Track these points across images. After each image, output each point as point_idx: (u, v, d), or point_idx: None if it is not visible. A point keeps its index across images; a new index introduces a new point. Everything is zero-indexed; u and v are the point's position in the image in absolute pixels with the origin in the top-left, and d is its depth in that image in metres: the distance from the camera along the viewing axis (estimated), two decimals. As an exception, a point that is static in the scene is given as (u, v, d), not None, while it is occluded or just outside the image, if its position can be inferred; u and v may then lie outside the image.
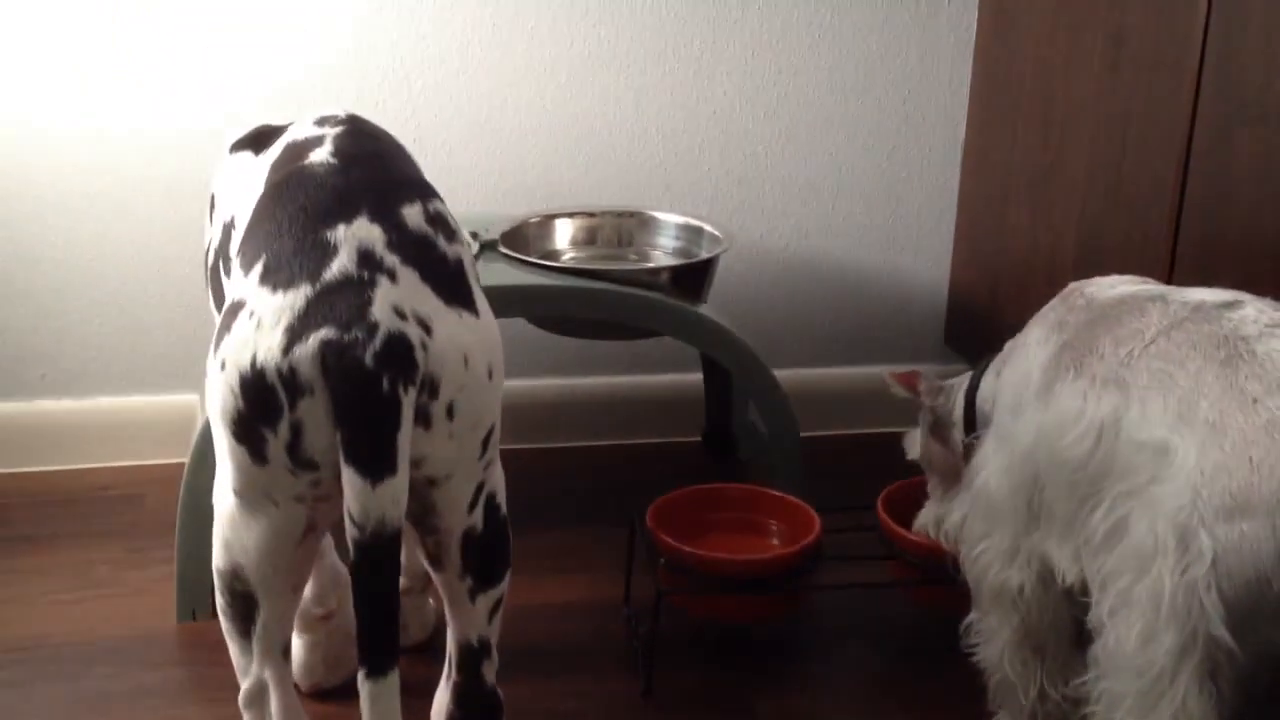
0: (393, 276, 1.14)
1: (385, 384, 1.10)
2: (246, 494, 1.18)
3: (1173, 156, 1.78)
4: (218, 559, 1.25)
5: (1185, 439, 1.22)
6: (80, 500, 2.13)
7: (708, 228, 2.14)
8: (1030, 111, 2.17)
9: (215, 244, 1.47)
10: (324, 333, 1.10)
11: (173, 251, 2.19)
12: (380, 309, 1.12)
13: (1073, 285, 1.52)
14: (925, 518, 1.77)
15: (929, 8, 2.32)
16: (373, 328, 1.10)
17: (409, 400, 1.11)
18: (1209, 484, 1.18)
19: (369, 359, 1.10)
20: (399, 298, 1.13)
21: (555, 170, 2.28)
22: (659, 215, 2.20)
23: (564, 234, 2.19)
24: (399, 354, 1.11)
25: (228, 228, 1.38)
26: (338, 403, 1.10)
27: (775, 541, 1.86)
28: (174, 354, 2.24)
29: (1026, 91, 2.18)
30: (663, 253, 2.17)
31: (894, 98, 2.36)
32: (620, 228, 2.20)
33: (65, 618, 1.81)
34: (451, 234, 1.23)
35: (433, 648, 1.75)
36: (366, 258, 1.14)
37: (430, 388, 1.15)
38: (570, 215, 2.20)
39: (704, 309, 2.00)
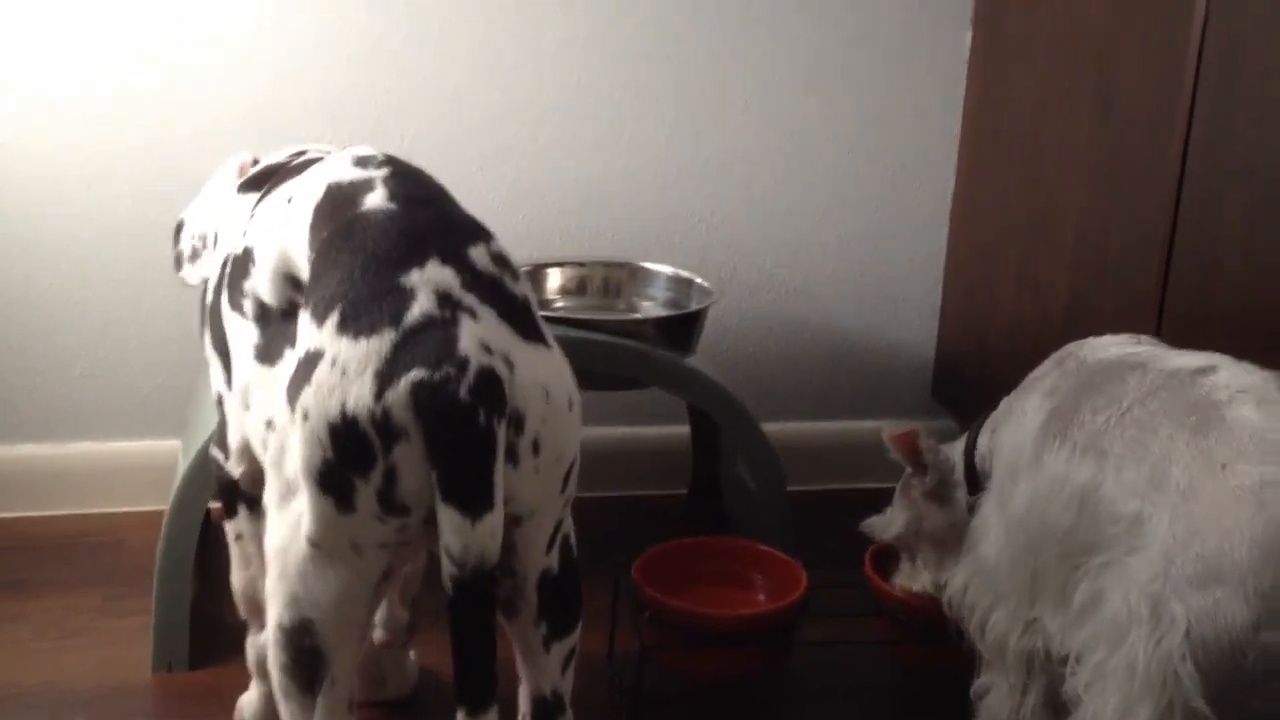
0: (473, 315, 1.15)
1: (481, 418, 1.10)
2: (326, 544, 1.17)
3: (1162, 215, 1.78)
4: (282, 615, 1.21)
5: (1158, 507, 1.22)
6: (58, 547, 2.11)
7: (698, 280, 2.14)
8: (1019, 169, 2.18)
9: (213, 282, 1.46)
10: (414, 374, 1.10)
11: (157, 295, 2.18)
12: (467, 345, 1.12)
13: (1068, 347, 1.52)
14: (915, 579, 1.75)
15: (920, 64, 2.33)
16: (463, 363, 1.11)
17: (502, 434, 1.12)
18: (1181, 551, 1.17)
19: (464, 393, 1.10)
20: (483, 334, 1.14)
21: (546, 219, 2.28)
22: (649, 266, 2.20)
23: (554, 283, 2.19)
24: (491, 388, 1.11)
25: (237, 262, 1.37)
26: (433, 441, 1.10)
27: (761, 596, 1.84)
28: (156, 399, 2.22)
29: (1015, 149, 2.19)
30: (652, 304, 2.17)
31: (885, 153, 2.37)
32: (610, 278, 2.20)
33: (40, 666, 1.78)
34: (515, 273, 1.24)
35: (414, 703, 1.73)
36: (445, 299, 1.15)
37: (516, 423, 1.15)
38: (560, 264, 2.20)
39: (693, 361, 2.00)
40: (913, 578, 1.75)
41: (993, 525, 1.50)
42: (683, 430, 2.35)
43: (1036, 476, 1.40)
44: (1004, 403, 1.59)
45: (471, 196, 1.44)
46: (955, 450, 1.69)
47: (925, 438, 1.69)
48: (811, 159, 2.35)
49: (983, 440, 1.61)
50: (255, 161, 1.61)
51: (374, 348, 1.12)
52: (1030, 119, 2.14)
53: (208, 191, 1.65)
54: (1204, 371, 1.31)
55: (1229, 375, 1.29)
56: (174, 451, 2.17)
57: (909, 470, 1.72)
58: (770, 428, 2.03)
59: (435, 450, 1.11)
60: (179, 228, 1.66)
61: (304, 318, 1.20)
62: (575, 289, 2.20)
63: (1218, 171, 1.70)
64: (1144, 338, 1.50)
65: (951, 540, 1.66)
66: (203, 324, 1.52)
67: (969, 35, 2.33)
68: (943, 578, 1.68)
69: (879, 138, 2.36)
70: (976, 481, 1.62)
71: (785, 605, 1.74)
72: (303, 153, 1.54)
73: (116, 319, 2.19)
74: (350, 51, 2.15)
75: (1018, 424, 1.50)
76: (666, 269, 2.20)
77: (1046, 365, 1.54)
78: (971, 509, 1.61)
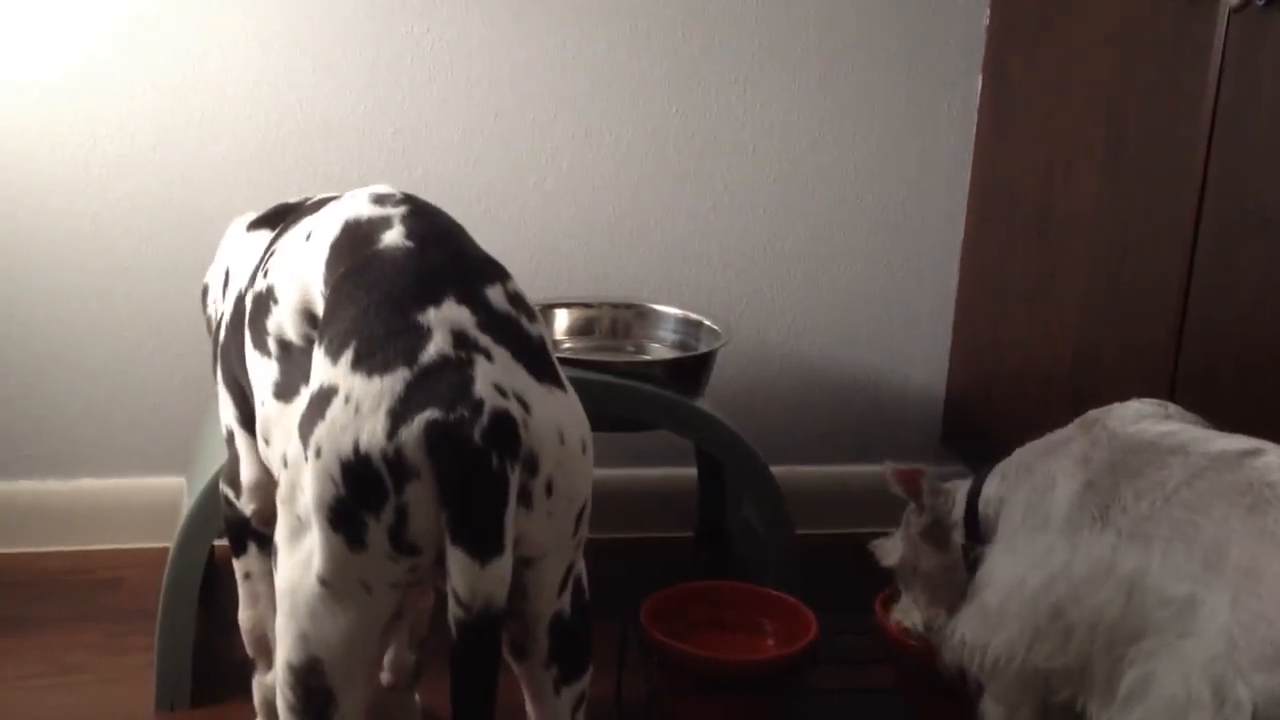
0: (489, 356, 1.14)
1: (494, 461, 1.09)
2: (336, 582, 1.15)
3: (1176, 264, 1.78)
4: (291, 654, 1.20)
5: (1215, 588, 1.19)
6: (59, 583, 2.09)
7: (706, 322, 2.14)
8: (1029, 216, 2.17)
9: (227, 319, 1.45)
10: (429, 414, 1.09)
11: (165, 332, 2.17)
12: (482, 387, 1.11)
13: (1094, 415, 1.48)
14: (910, 615, 1.73)
15: (929, 110, 2.34)
16: (478, 405, 1.10)
17: (514, 478, 1.11)
18: (1246, 633, 1.14)
19: (477, 436, 1.09)
20: (497, 376, 1.13)
21: (554, 260, 2.28)
22: (657, 308, 2.20)
23: (561, 324, 2.18)
24: (505, 431, 1.10)
25: (258, 300, 1.36)
26: (445, 483, 1.09)
27: (771, 642, 1.82)
28: (161, 436, 2.21)
29: (1025, 194, 2.19)
30: (661, 345, 2.16)
31: (893, 198, 2.37)
32: (618, 319, 2.20)
33: (39, 705, 1.76)
34: (531, 314, 1.23)
35: (418, 745, 1.71)
36: (461, 339, 1.14)
37: (530, 465, 1.14)
38: (568, 305, 2.19)
39: (701, 403, 1.99)
40: (908, 613, 1.73)
41: (1003, 573, 1.47)
42: (690, 473, 2.34)
43: (1074, 553, 1.37)
44: (1019, 456, 1.56)
45: (479, 237, 1.45)
46: (958, 491, 1.66)
47: (930, 479, 1.67)
48: (820, 202, 2.35)
49: (990, 488, 1.59)
50: None
51: (388, 385, 1.11)
52: (1040, 164, 2.14)
53: (221, 251, 1.64)
54: (1251, 454, 1.28)
55: (1278, 457, 1.26)
56: (177, 488, 2.16)
57: (911, 505, 1.71)
58: (778, 471, 2.01)
59: (447, 491, 1.10)
60: (204, 292, 1.65)
61: (318, 353, 1.19)
62: (583, 330, 2.20)
63: (1235, 219, 1.69)
64: (1171, 406, 1.47)
65: (942, 581, 1.65)
66: (215, 360, 1.51)
67: (979, 80, 2.34)
68: (932, 617, 1.66)
69: (888, 182, 2.36)
70: (977, 528, 1.59)
71: (795, 651, 1.72)
72: (310, 197, 1.53)
73: (121, 355, 2.18)
74: (358, 93, 2.16)
75: (1043, 486, 1.46)
76: (675, 311, 2.19)
77: (1071, 429, 1.50)
78: (969, 556, 1.59)
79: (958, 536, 1.63)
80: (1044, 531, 1.42)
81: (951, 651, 1.54)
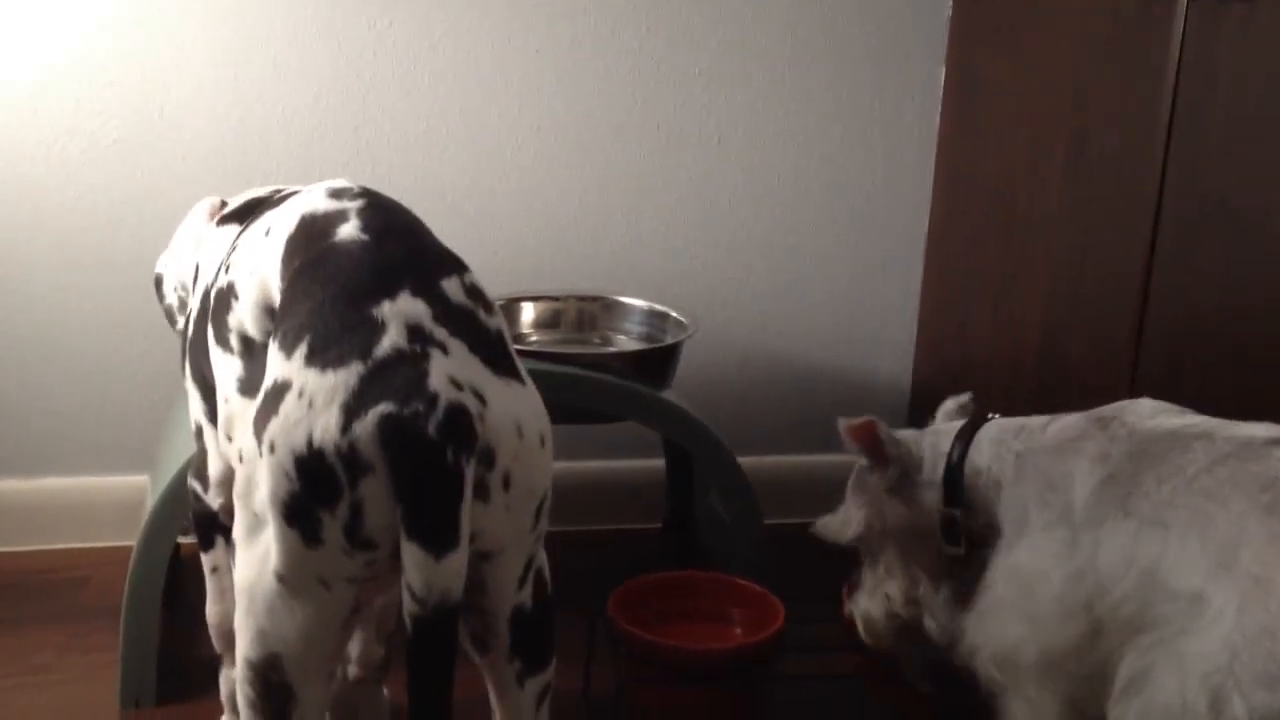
0: (444, 349, 1.13)
1: (449, 455, 1.08)
2: (293, 578, 1.15)
3: (1136, 259, 1.79)
4: (250, 650, 1.19)
5: (1224, 591, 1.15)
6: (21, 584, 2.07)
7: (673, 313, 2.14)
8: (992, 212, 2.19)
9: (195, 314, 1.44)
10: (382, 407, 1.08)
11: (127, 328, 2.16)
12: (437, 381, 1.10)
13: (1108, 411, 1.42)
14: (871, 606, 1.65)
15: (894, 103, 2.35)
16: (432, 399, 1.09)
17: (470, 471, 1.10)
18: (1250, 647, 1.10)
19: (432, 430, 1.08)
20: (453, 369, 1.12)
21: (520, 253, 2.27)
22: (624, 300, 2.20)
23: (528, 317, 2.18)
24: (460, 425, 1.09)
25: (221, 296, 1.35)
26: (399, 477, 1.09)
27: (739, 631, 1.83)
28: (124, 434, 2.19)
29: (989, 192, 2.20)
30: (627, 337, 2.17)
31: (859, 190, 2.38)
32: (584, 312, 2.20)
33: (6, 705, 1.74)
34: (489, 307, 1.22)
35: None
36: (416, 332, 1.13)
37: (487, 459, 1.13)
38: (534, 299, 2.19)
39: (668, 394, 1.99)
40: (875, 591, 1.65)
41: (1018, 570, 1.40)
42: (658, 464, 2.34)
43: (1096, 546, 1.32)
44: (1021, 440, 1.47)
45: (443, 231, 1.45)
46: (923, 446, 1.58)
47: (884, 427, 1.58)
48: (786, 194, 2.36)
49: (980, 458, 1.50)
50: (223, 204, 1.60)
51: (342, 380, 1.10)
52: (1004, 157, 2.15)
53: (178, 239, 1.63)
54: (1279, 443, 1.23)
55: None
56: (140, 487, 2.14)
57: (862, 464, 1.62)
58: (745, 461, 2.02)
59: (401, 486, 1.09)
60: (158, 282, 1.64)
61: (273, 348, 1.19)
62: (549, 323, 2.20)
63: (1193, 216, 1.71)
64: (1187, 411, 1.40)
65: (914, 537, 1.57)
66: (183, 355, 1.50)
67: (942, 73, 2.35)
68: (911, 585, 1.60)
69: (854, 174, 2.37)
70: (959, 494, 1.51)
71: (762, 639, 1.73)
72: (282, 189, 1.53)
73: (83, 353, 2.16)
74: (320, 88, 2.15)
75: (1060, 484, 1.39)
76: (641, 303, 2.19)
77: (1083, 424, 1.42)
78: (945, 518, 1.52)
79: (931, 496, 1.55)
80: (1061, 527, 1.36)
81: (960, 655, 1.46)
